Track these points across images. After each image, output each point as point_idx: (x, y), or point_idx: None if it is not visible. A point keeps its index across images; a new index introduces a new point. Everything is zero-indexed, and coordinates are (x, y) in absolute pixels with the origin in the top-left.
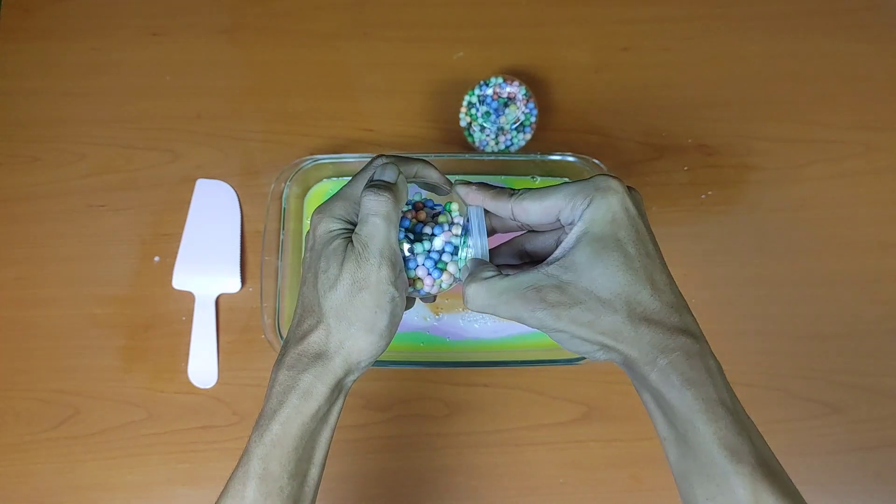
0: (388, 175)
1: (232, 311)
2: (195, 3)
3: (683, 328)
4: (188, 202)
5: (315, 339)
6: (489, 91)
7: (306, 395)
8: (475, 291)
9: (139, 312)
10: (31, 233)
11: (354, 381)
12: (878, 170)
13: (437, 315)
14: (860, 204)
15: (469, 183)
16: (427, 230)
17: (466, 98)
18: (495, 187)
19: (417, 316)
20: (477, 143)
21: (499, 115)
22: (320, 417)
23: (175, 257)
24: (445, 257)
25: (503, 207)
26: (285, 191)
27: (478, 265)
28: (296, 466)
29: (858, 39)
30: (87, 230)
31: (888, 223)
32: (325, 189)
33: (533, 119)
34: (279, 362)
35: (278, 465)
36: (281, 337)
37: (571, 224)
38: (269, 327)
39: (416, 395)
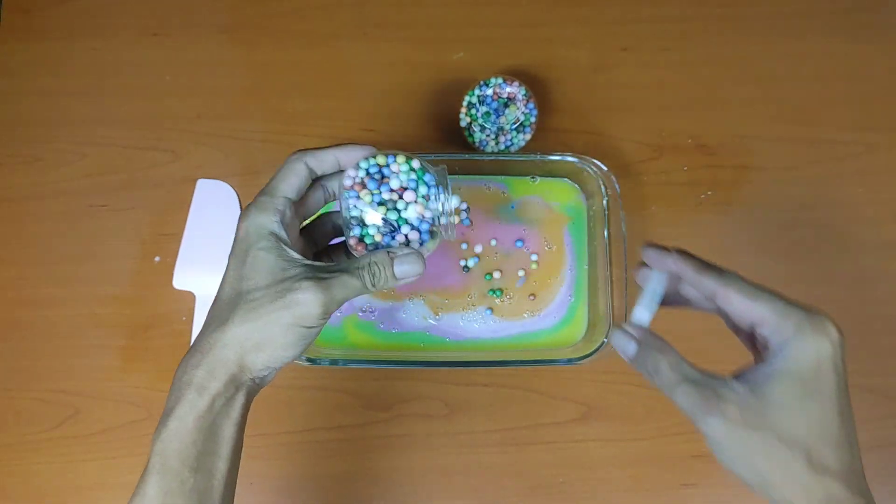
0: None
1: None
2: (195, 3)
3: (861, 493)
4: (189, 202)
5: (210, 335)
6: (489, 91)
7: (200, 390)
8: (658, 365)
9: (140, 312)
10: (32, 233)
11: (259, 380)
12: (878, 170)
13: (437, 315)
14: (860, 204)
15: (665, 247)
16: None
17: (466, 98)
18: (698, 259)
19: (417, 316)
20: (477, 144)
21: (499, 115)
22: (217, 411)
23: (175, 257)
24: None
25: (705, 285)
26: None
27: (655, 338)
28: (197, 461)
29: (858, 39)
30: (87, 230)
31: (888, 223)
32: None
33: (533, 119)
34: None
35: (177, 459)
36: None
37: (765, 339)
38: None
39: (416, 394)
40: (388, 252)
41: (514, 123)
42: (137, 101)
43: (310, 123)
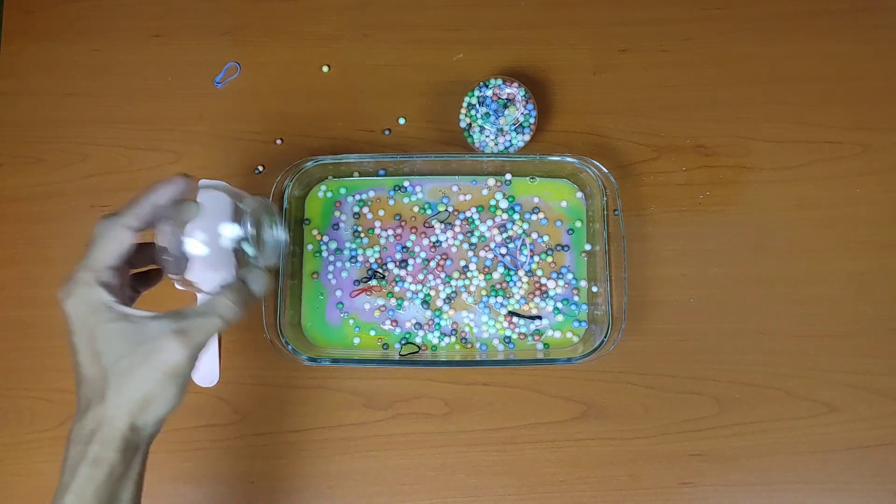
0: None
1: None
2: (196, 4)
3: None
4: None
5: (93, 412)
6: (489, 92)
7: (97, 463)
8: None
9: None
10: (34, 233)
11: (155, 432)
12: (876, 170)
13: (437, 315)
14: (858, 204)
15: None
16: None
17: (466, 99)
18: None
19: (417, 315)
20: (476, 144)
21: (498, 116)
22: (116, 478)
23: None
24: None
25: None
26: (287, 191)
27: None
28: None
29: (856, 40)
30: (89, 230)
31: (886, 223)
32: (326, 189)
33: (532, 120)
34: (68, 437)
35: None
36: (282, 336)
37: None
38: (270, 326)
39: (415, 393)
40: (240, 279)
41: (514, 124)
42: (139, 102)
43: (311, 124)
